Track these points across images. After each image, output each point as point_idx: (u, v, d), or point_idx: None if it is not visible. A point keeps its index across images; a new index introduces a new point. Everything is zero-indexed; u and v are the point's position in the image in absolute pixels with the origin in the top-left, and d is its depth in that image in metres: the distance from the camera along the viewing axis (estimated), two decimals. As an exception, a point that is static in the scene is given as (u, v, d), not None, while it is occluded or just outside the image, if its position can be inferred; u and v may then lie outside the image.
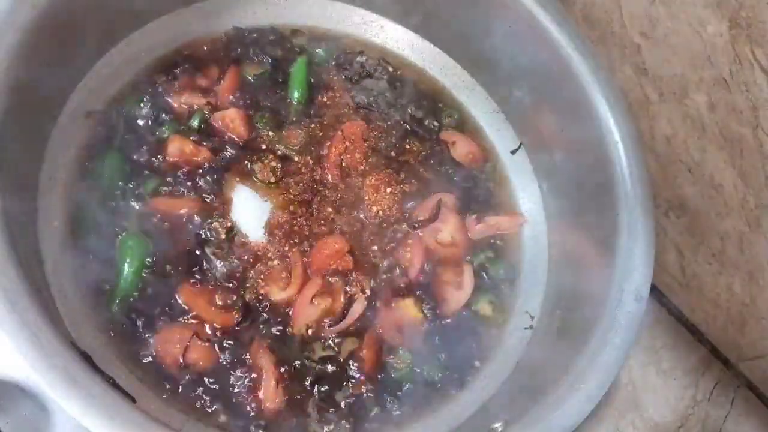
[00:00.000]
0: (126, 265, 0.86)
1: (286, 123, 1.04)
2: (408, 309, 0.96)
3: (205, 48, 1.07)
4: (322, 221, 0.98)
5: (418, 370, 0.94)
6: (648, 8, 0.99)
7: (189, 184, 0.94)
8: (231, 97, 1.03)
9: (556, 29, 1.00)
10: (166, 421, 0.76)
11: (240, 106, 1.03)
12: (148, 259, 0.88)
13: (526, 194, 1.14)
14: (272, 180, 0.98)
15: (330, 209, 0.99)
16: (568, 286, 1.03)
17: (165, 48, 1.03)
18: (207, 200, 0.94)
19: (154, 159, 0.95)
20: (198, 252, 0.90)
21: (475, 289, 1.01)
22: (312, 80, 1.09)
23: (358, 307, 0.92)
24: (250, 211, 0.95)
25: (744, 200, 0.98)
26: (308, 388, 0.88)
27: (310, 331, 0.91)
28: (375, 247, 0.99)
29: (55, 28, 0.83)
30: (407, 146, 1.10)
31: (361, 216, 1.01)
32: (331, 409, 0.88)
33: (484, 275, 1.04)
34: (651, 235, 0.93)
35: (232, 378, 0.86)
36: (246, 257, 0.92)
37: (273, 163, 0.99)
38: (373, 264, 0.98)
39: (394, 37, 1.19)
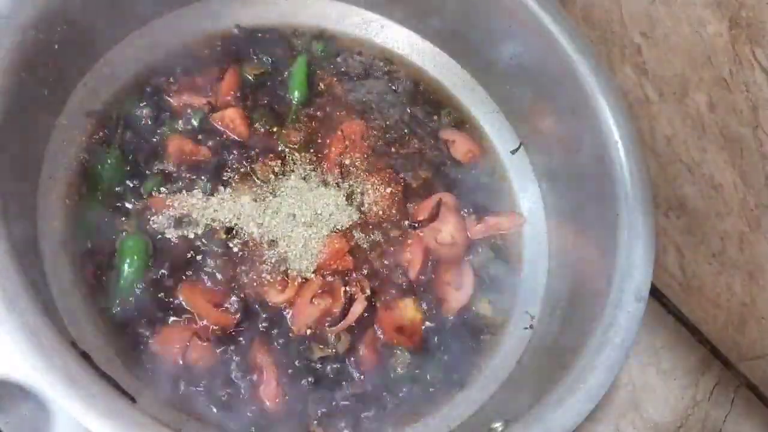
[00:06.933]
0: (126, 265, 0.86)
1: (286, 122, 1.04)
2: (408, 309, 0.96)
3: (205, 48, 1.07)
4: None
5: (418, 370, 0.94)
6: (648, 8, 0.99)
7: (189, 183, 0.94)
8: (231, 96, 1.03)
9: (556, 29, 1.00)
10: (166, 421, 0.75)
11: (240, 106, 1.02)
12: (148, 259, 0.88)
13: (526, 194, 1.14)
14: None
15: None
16: (569, 286, 1.03)
17: (165, 48, 1.03)
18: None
19: (153, 159, 0.95)
20: (198, 252, 0.90)
21: (475, 289, 1.01)
22: (312, 80, 1.09)
23: (358, 307, 0.92)
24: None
25: (744, 200, 0.98)
26: (308, 388, 0.88)
27: (309, 331, 0.91)
28: (375, 247, 0.99)
29: (55, 28, 0.83)
30: (407, 146, 1.10)
31: (362, 216, 1.01)
32: (331, 409, 0.88)
33: (484, 275, 1.04)
34: (651, 235, 0.92)
35: (232, 378, 0.86)
36: (246, 257, 0.92)
37: (273, 163, 0.99)
38: (373, 264, 0.98)
39: (394, 37, 1.19)
